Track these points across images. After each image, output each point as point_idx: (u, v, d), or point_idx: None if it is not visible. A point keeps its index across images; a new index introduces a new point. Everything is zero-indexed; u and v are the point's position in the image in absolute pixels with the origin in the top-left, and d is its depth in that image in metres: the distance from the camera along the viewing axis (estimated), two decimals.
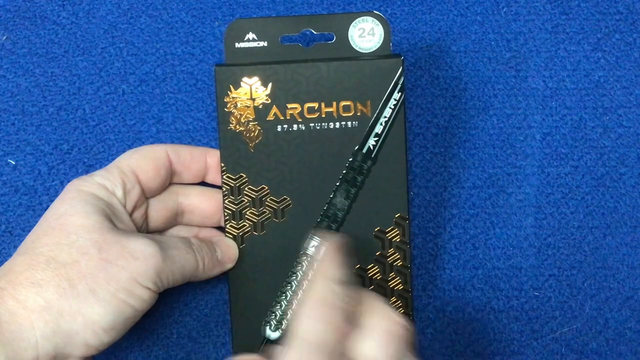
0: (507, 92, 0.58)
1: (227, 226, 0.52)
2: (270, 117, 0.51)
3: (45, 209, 0.55)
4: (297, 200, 0.52)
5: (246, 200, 0.52)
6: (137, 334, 0.56)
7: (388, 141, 0.51)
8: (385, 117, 0.51)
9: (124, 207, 0.49)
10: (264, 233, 0.52)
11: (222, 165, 0.51)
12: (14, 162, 0.57)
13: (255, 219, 0.52)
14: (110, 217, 0.47)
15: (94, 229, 0.45)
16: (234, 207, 0.52)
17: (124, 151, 0.53)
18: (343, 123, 0.51)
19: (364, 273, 0.52)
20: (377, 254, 0.52)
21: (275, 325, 0.52)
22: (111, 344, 0.45)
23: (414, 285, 0.56)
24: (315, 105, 0.51)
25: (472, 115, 0.58)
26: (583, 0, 0.59)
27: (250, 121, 0.51)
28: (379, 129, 0.51)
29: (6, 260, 0.55)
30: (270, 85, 0.51)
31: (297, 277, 0.52)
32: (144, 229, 0.52)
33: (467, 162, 0.57)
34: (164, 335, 0.56)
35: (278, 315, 0.52)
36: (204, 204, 0.53)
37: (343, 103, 0.51)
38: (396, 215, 0.52)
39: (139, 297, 0.45)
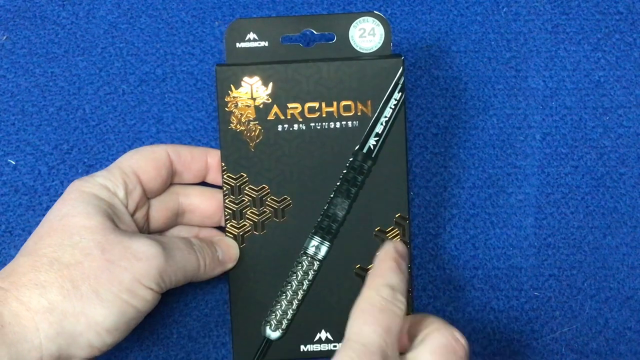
0: (507, 92, 0.58)
1: (228, 226, 0.52)
2: (271, 117, 0.51)
3: (46, 209, 0.55)
4: (298, 199, 0.52)
5: (247, 200, 0.52)
6: (137, 334, 0.55)
7: (388, 141, 0.51)
8: (385, 117, 0.51)
9: (126, 207, 0.49)
10: (264, 233, 0.52)
11: (223, 164, 0.51)
12: (14, 162, 0.57)
13: (256, 218, 0.52)
14: (112, 218, 0.47)
15: (97, 230, 0.45)
16: (234, 207, 0.52)
17: (124, 151, 0.53)
18: (343, 123, 0.51)
19: (364, 273, 0.52)
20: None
21: (275, 325, 0.52)
22: (114, 344, 0.45)
23: (414, 285, 0.56)
24: (316, 105, 0.51)
25: (472, 115, 0.58)
26: (583, 0, 0.59)
27: (251, 121, 0.51)
28: (379, 128, 0.51)
29: (6, 260, 0.55)
30: (271, 85, 0.51)
31: (297, 276, 0.52)
32: (145, 229, 0.52)
33: (467, 162, 0.57)
34: (164, 335, 0.56)
35: (278, 315, 0.52)
36: (205, 204, 0.53)
37: (343, 103, 0.51)
38: (396, 215, 0.52)
39: (142, 297, 0.45)
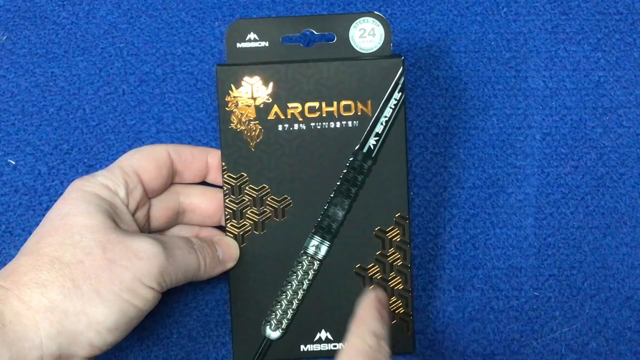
0: (507, 92, 0.58)
1: (228, 225, 0.52)
2: (271, 117, 0.51)
3: (46, 209, 0.55)
4: (298, 199, 0.52)
5: (247, 200, 0.52)
6: (137, 334, 0.55)
7: (388, 141, 0.51)
8: (385, 116, 0.51)
9: (127, 207, 0.49)
10: (264, 232, 0.52)
11: (223, 164, 0.52)
12: (14, 162, 0.57)
13: (256, 218, 0.52)
14: (113, 217, 0.47)
15: (98, 229, 0.45)
16: (234, 206, 0.52)
17: (124, 151, 0.53)
18: (344, 123, 0.51)
19: (364, 272, 0.52)
20: (378, 253, 0.52)
21: (275, 324, 0.52)
22: (115, 344, 0.45)
23: (414, 285, 0.56)
24: (316, 104, 0.51)
25: (472, 115, 0.58)
26: (583, 0, 0.59)
27: (251, 120, 0.51)
28: (379, 128, 0.51)
29: (6, 260, 0.55)
30: (271, 84, 0.51)
31: (297, 276, 0.52)
32: (146, 228, 0.52)
33: (467, 162, 0.57)
34: (164, 335, 0.56)
35: (278, 314, 0.52)
36: (205, 204, 0.53)
37: (344, 103, 0.51)
38: (396, 215, 0.52)
39: (143, 297, 0.45)
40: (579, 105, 0.58)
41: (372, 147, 0.51)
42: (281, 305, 0.52)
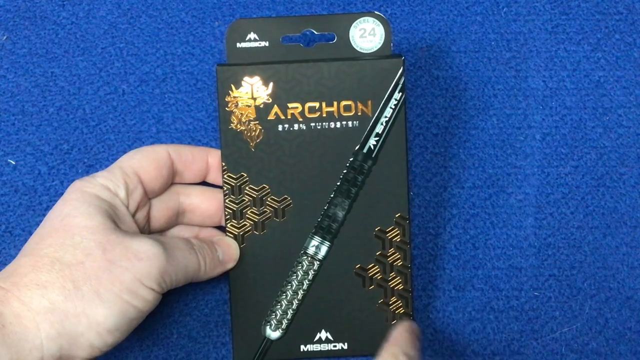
0: (507, 92, 0.58)
1: (228, 225, 0.52)
2: (271, 117, 0.51)
3: (46, 209, 0.55)
4: (298, 199, 0.52)
5: (247, 200, 0.52)
6: (137, 334, 0.55)
7: (388, 141, 0.51)
8: (385, 117, 0.51)
9: (127, 208, 0.49)
10: (264, 232, 0.52)
11: (223, 164, 0.52)
12: (14, 162, 0.57)
13: (256, 218, 0.52)
14: (113, 218, 0.47)
15: (98, 230, 0.45)
16: (234, 207, 0.52)
17: (124, 151, 0.53)
18: (344, 123, 0.51)
19: (365, 273, 0.52)
20: (378, 253, 0.52)
21: (275, 324, 0.52)
22: (115, 345, 0.45)
23: (414, 285, 0.56)
24: (316, 105, 0.51)
25: (472, 115, 0.58)
26: (583, 0, 0.59)
27: (251, 121, 0.51)
28: (379, 128, 0.51)
29: (6, 260, 0.55)
30: (271, 84, 0.51)
31: (297, 276, 0.52)
32: (146, 229, 0.52)
33: (467, 162, 0.57)
34: (164, 335, 0.56)
35: (278, 314, 0.52)
36: (205, 204, 0.53)
37: (344, 103, 0.51)
38: (396, 215, 0.52)
39: (143, 298, 0.45)
40: (579, 105, 0.58)
41: (372, 147, 0.51)
42: (281, 306, 0.52)
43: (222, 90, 0.51)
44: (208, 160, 0.53)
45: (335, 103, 0.51)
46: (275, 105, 0.51)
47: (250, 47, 0.52)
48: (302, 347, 0.52)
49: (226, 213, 0.52)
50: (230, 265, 0.52)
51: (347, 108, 0.51)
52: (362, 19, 0.52)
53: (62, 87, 0.58)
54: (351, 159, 0.51)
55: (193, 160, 0.52)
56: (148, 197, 0.51)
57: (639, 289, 0.57)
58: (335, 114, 0.51)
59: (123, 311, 0.44)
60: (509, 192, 0.57)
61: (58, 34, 0.59)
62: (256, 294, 0.52)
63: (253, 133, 0.51)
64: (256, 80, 0.51)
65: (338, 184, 0.51)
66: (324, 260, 0.52)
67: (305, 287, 0.52)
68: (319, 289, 0.52)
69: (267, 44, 0.52)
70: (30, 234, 0.47)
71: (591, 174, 0.57)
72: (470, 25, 0.59)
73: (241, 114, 0.51)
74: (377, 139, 0.51)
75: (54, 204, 0.48)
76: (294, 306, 0.52)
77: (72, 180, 0.49)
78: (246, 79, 0.51)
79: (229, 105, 0.51)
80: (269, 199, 0.52)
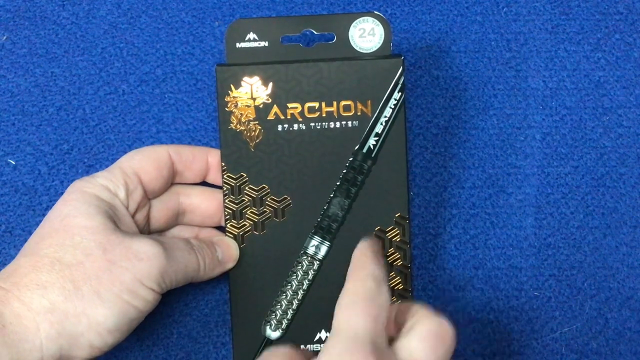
0: (507, 92, 0.58)
1: (228, 226, 0.52)
2: (271, 117, 0.51)
3: (46, 209, 0.55)
4: (298, 199, 0.52)
5: (247, 200, 0.52)
6: (137, 334, 0.55)
7: (388, 141, 0.51)
8: (385, 116, 0.51)
9: (127, 208, 0.49)
10: (264, 232, 0.52)
11: (223, 164, 0.52)
12: (14, 162, 0.57)
13: (256, 218, 0.52)
14: (113, 219, 0.47)
15: (98, 230, 0.45)
16: (234, 207, 0.52)
17: (124, 151, 0.53)
18: (343, 123, 0.51)
19: None
20: None
21: (275, 324, 0.52)
22: (115, 345, 0.45)
23: (414, 285, 0.56)
24: (316, 104, 0.51)
25: (472, 115, 0.58)
26: (583, 0, 0.59)
27: (251, 121, 0.51)
28: (379, 128, 0.51)
29: (6, 260, 0.55)
30: (271, 84, 0.51)
31: (297, 276, 0.52)
32: (145, 229, 0.52)
33: (467, 162, 0.57)
34: (164, 335, 0.56)
35: (278, 314, 0.52)
36: (205, 204, 0.53)
37: (343, 103, 0.51)
38: (396, 215, 0.52)
39: (143, 298, 0.45)
40: (579, 105, 0.58)
41: (372, 147, 0.51)
42: (281, 306, 0.52)
43: (222, 90, 0.51)
44: (208, 160, 0.53)
45: (334, 103, 0.51)
46: (275, 105, 0.51)
47: (250, 47, 0.52)
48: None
49: (226, 213, 0.52)
50: (230, 265, 0.52)
51: (347, 108, 0.51)
52: (361, 19, 0.52)
53: (62, 87, 0.58)
54: (351, 159, 0.51)
55: (194, 160, 0.52)
56: (148, 197, 0.51)
57: (639, 289, 0.57)
58: (335, 114, 0.51)
59: (123, 311, 0.44)
60: (509, 192, 0.57)
61: (58, 34, 0.59)
62: (256, 294, 0.52)
63: (253, 133, 0.51)
64: (256, 80, 0.51)
65: (338, 183, 0.51)
66: (323, 260, 0.52)
67: (305, 287, 0.52)
68: (319, 289, 0.52)
69: (266, 44, 0.52)
70: (30, 234, 0.47)
71: (591, 174, 0.57)
72: (470, 25, 0.59)
73: (241, 114, 0.51)
74: (376, 138, 0.51)
75: (54, 204, 0.48)
76: (294, 306, 0.52)
77: (72, 180, 0.49)
78: (246, 79, 0.51)
79: (228, 105, 0.51)
80: (268, 199, 0.52)
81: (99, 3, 0.59)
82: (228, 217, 0.52)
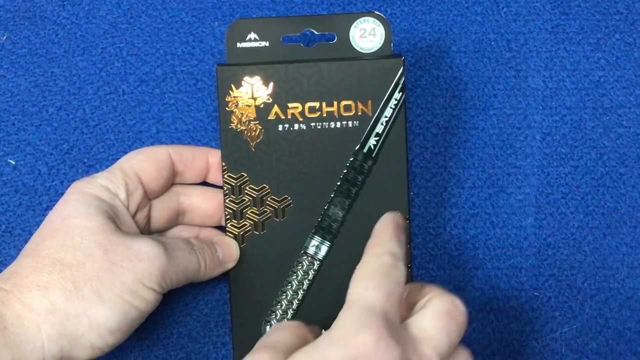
0: (507, 92, 0.58)
1: (228, 225, 0.52)
2: (272, 117, 0.51)
3: (46, 209, 0.55)
4: (298, 199, 0.52)
5: (247, 200, 0.52)
6: (137, 334, 0.55)
7: (389, 141, 0.51)
8: (386, 116, 0.51)
9: (127, 208, 0.49)
10: (264, 232, 0.52)
11: (223, 164, 0.52)
12: (14, 162, 0.57)
13: (256, 218, 0.52)
14: (114, 219, 0.47)
15: (98, 231, 0.45)
16: (234, 207, 0.52)
17: (124, 151, 0.53)
18: (344, 123, 0.51)
19: None
20: None
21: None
22: (116, 345, 0.45)
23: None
24: (317, 104, 0.51)
25: (472, 115, 0.58)
26: (583, 0, 0.59)
27: (252, 120, 0.51)
28: (379, 128, 0.51)
29: (6, 260, 0.55)
30: (271, 84, 0.51)
31: (297, 276, 0.52)
32: (146, 230, 0.52)
33: (467, 162, 0.57)
34: (164, 335, 0.56)
35: (278, 314, 0.52)
36: (205, 204, 0.53)
37: (344, 103, 0.51)
38: None
39: (144, 298, 0.45)
40: (579, 105, 0.58)
41: (372, 147, 0.51)
42: (281, 305, 0.52)
43: (222, 90, 0.51)
44: (208, 160, 0.53)
45: (335, 103, 0.51)
46: (276, 105, 0.51)
47: (251, 47, 0.52)
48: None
49: (226, 213, 0.52)
50: (230, 265, 0.52)
51: (347, 108, 0.51)
52: (362, 19, 0.52)
53: (62, 87, 0.58)
54: (351, 159, 0.51)
55: (194, 160, 0.52)
56: (148, 197, 0.51)
57: (639, 289, 0.57)
58: (336, 114, 0.51)
59: (124, 312, 0.44)
60: (509, 192, 0.57)
61: (58, 34, 0.59)
62: (256, 294, 0.52)
63: (253, 133, 0.51)
64: (256, 80, 0.51)
65: (338, 183, 0.51)
66: (324, 260, 0.52)
67: (305, 287, 0.52)
68: (319, 289, 0.52)
69: (267, 44, 0.52)
70: (31, 234, 0.47)
71: (591, 174, 0.57)
72: (470, 25, 0.59)
73: (241, 113, 0.51)
74: (377, 138, 0.51)
75: (54, 204, 0.48)
76: (294, 306, 0.52)
77: (72, 180, 0.49)
78: (246, 78, 0.51)
79: (229, 105, 0.51)
80: (269, 198, 0.52)
81: (99, 3, 0.59)
82: (228, 217, 0.52)
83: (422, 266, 0.57)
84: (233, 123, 0.51)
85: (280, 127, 0.51)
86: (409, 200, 0.52)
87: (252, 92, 0.51)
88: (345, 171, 0.51)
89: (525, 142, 0.58)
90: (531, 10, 0.59)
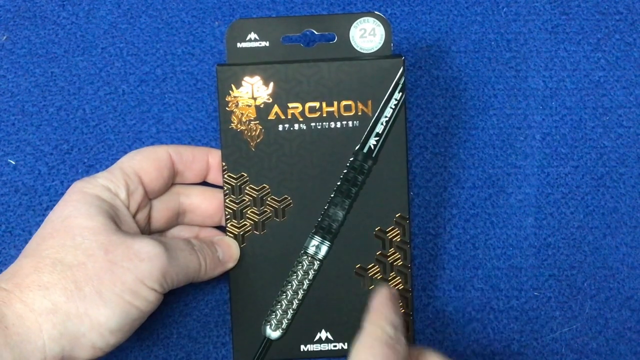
0: (507, 92, 0.58)
1: (228, 225, 0.52)
2: (272, 117, 0.51)
3: (46, 209, 0.55)
4: (298, 199, 0.52)
5: (247, 200, 0.52)
6: (137, 334, 0.55)
7: (389, 141, 0.51)
8: (386, 116, 0.51)
9: (128, 208, 0.49)
10: (264, 232, 0.52)
11: (224, 164, 0.52)
12: (14, 162, 0.57)
13: (256, 218, 0.52)
14: (114, 219, 0.47)
15: (99, 231, 0.45)
16: (235, 206, 0.52)
17: (124, 151, 0.53)
18: (344, 123, 0.51)
19: (365, 272, 0.52)
20: (378, 253, 0.52)
21: (275, 324, 0.52)
22: (117, 345, 0.45)
23: (414, 285, 0.56)
24: (317, 104, 0.51)
25: (472, 115, 0.58)
26: (583, 0, 0.59)
27: (252, 120, 0.51)
28: (379, 128, 0.51)
29: (6, 260, 0.55)
30: (271, 84, 0.51)
31: (297, 276, 0.52)
32: (146, 229, 0.52)
33: (467, 162, 0.57)
34: (164, 335, 0.56)
35: (278, 314, 0.52)
36: (205, 204, 0.53)
37: (344, 103, 0.51)
38: (396, 215, 0.52)
39: (145, 298, 0.45)
40: (579, 105, 0.58)
41: (372, 147, 0.51)
42: (281, 305, 0.52)
43: (223, 90, 0.51)
44: (208, 160, 0.53)
45: (335, 103, 0.51)
46: (276, 105, 0.51)
47: (251, 47, 0.52)
48: (302, 347, 0.52)
49: (226, 213, 0.52)
50: (231, 265, 0.52)
51: (348, 108, 0.51)
52: (362, 19, 0.52)
53: (62, 87, 0.58)
54: (351, 159, 0.51)
55: (194, 160, 0.52)
56: (149, 197, 0.51)
57: (639, 289, 0.57)
58: (336, 114, 0.51)
59: (125, 311, 0.44)
60: (509, 192, 0.57)
61: (58, 34, 0.59)
62: (256, 293, 0.52)
63: (253, 133, 0.51)
64: (256, 80, 0.51)
65: (338, 183, 0.51)
66: (324, 260, 0.52)
67: (305, 286, 0.52)
68: (319, 289, 0.52)
69: (267, 44, 0.52)
70: (31, 234, 0.47)
71: (591, 174, 0.57)
72: (470, 25, 0.59)
73: (241, 113, 0.51)
74: (377, 138, 0.51)
75: (54, 204, 0.48)
76: (294, 306, 0.52)
77: (72, 180, 0.49)
78: (246, 78, 0.51)
79: (229, 105, 0.51)
80: (269, 198, 0.52)
81: (99, 3, 0.59)
82: (228, 216, 0.52)
83: (422, 266, 0.57)
84: (233, 123, 0.51)
85: (280, 127, 0.51)
86: (409, 200, 0.52)
87: (252, 92, 0.51)
88: (345, 171, 0.51)
89: (525, 142, 0.58)
90: (531, 10, 0.59)
